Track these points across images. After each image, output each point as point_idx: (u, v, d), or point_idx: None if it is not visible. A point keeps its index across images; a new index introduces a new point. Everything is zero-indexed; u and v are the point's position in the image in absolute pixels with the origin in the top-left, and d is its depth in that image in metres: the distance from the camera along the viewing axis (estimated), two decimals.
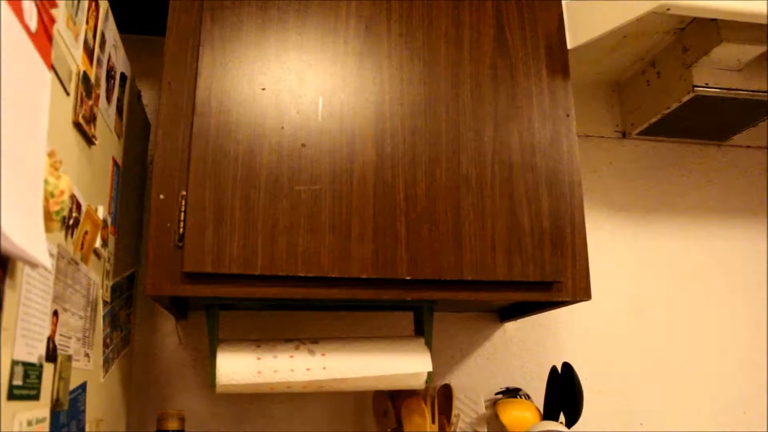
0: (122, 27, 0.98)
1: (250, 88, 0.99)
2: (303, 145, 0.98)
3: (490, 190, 1.04)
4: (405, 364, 1.05)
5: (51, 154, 0.59)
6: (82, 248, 0.77)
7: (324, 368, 1.01)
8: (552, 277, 1.03)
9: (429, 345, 1.10)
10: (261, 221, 0.94)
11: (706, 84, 1.34)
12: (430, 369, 1.06)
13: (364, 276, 0.96)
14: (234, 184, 0.94)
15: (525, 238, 1.04)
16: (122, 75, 1.00)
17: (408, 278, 0.97)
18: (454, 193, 1.03)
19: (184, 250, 0.91)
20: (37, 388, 0.61)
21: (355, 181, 0.99)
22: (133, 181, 1.15)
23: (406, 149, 1.02)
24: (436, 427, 1.17)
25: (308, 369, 1.01)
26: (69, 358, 0.72)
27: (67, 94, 0.71)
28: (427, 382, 1.08)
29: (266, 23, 1.03)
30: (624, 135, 1.60)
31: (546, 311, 1.25)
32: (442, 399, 1.22)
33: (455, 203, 1.02)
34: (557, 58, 1.15)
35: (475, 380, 1.37)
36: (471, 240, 1.01)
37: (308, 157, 0.98)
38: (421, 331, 1.14)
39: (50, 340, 0.65)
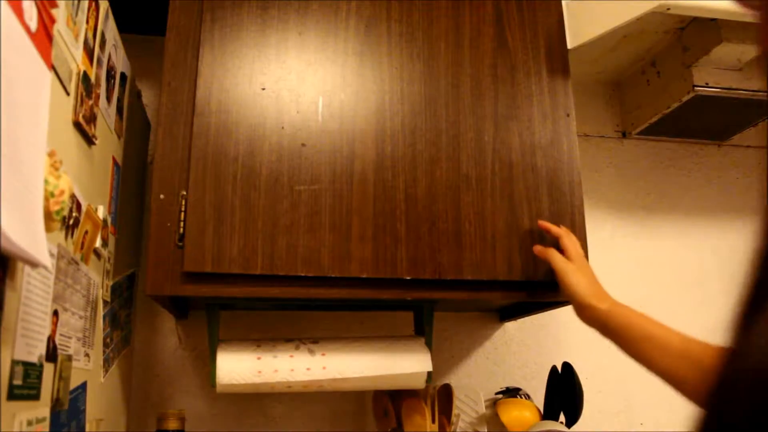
0: (122, 27, 0.98)
1: (250, 88, 0.99)
2: (303, 144, 0.98)
3: (490, 189, 1.04)
4: (405, 364, 1.05)
5: (51, 154, 0.59)
6: (82, 248, 0.77)
7: (324, 368, 1.01)
8: (553, 277, 1.03)
9: (429, 345, 1.10)
10: (261, 221, 0.94)
11: (707, 84, 1.34)
12: (430, 369, 1.06)
13: (364, 276, 0.95)
14: (234, 183, 0.94)
15: (525, 237, 1.04)
16: (122, 75, 1.00)
17: (408, 278, 0.97)
18: (454, 193, 1.02)
19: (184, 249, 0.91)
20: (38, 387, 0.61)
21: (355, 181, 0.98)
22: (133, 180, 1.15)
23: (406, 149, 1.02)
24: (436, 426, 1.17)
25: (308, 369, 1.01)
26: (69, 357, 0.72)
27: (67, 93, 0.71)
28: (427, 381, 1.08)
29: (266, 23, 1.02)
30: (624, 135, 1.60)
31: (546, 311, 1.25)
32: (443, 399, 1.22)
33: (455, 203, 1.02)
34: (557, 57, 1.15)
35: (475, 380, 1.37)
36: (471, 239, 1.01)
37: (308, 157, 0.98)
38: (422, 330, 1.14)
39: (50, 339, 0.65)
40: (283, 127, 0.98)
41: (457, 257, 1.00)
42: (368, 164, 1.00)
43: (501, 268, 1.01)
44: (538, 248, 1.01)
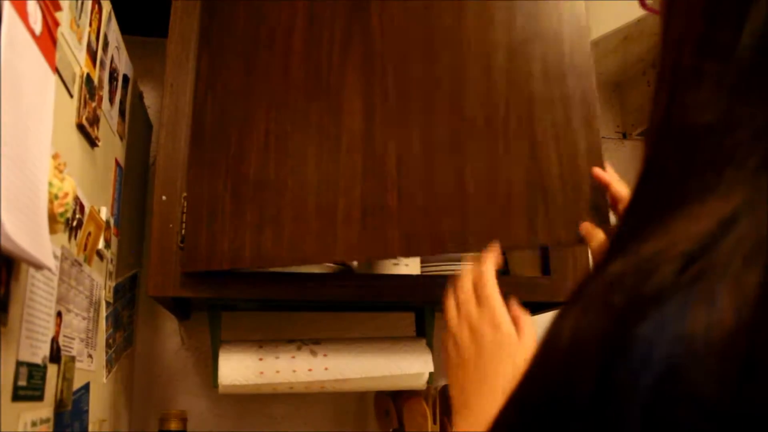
0: (124, 28, 0.98)
1: (243, 82, 0.96)
2: (289, 126, 0.90)
3: (503, 133, 0.82)
4: (406, 365, 1.05)
5: (55, 157, 0.60)
6: (85, 249, 0.77)
7: (326, 369, 1.02)
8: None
9: (430, 345, 1.10)
10: (249, 213, 0.88)
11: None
12: (432, 369, 1.06)
13: (349, 259, 0.88)
14: (225, 178, 0.90)
15: (552, 189, 0.80)
16: (125, 77, 1.01)
17: (399, 257, 0.88)
18: (456, 146, 0.83)
19: (184, 250, 0.91)
20: (41, 388, 0.61)
21: (342, 155, 0.87)
22: (134, 182, 1.15)
23: (396, 102, 0.86)
24: (437, 427, 1.17)
25: (310, 369, 1.01)
26: (72, 358, 0.72)
27: (71, 96, 0.71)
28: (428, 382, 1.08)
29: (259, 20, 0.97)
30: (624, 136, 1.60)
31: (547, 312, 1.25)
32: (444, 400, 1.22)
33: (458, 158, 0.83)
34: None
35: None
36: (478, 202, 0.81)
37: (295, 138, 0.89)
38: (423, 331, 1.15)
39: (54, 341, 0.65)
40: (270, 112, 0.91)
41: (460, 226, 0.81)
42: (356, 133, 0.86)
43: (519, 232, 0.79)
44: (587, 226, 0.76)
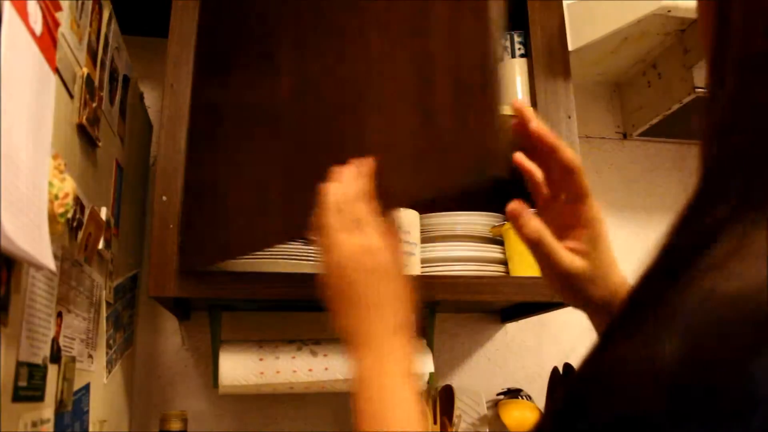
0: (125, 29, 0.98)
1: (225, 73, 0.94)
2: (246, 106, 0.86)
3: (401, 80, 0.69)
4: None
5: (56, 157, 0.60)
6: (86, 250, 0.77)
7: (326, 369, 1.02)
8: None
9: (431, 346, 1.10)
10: (222, 206, 0.86)
11: (707, 85, 1.33)
12: (432, 370, 1.06)
13: (278, 243, 0.85)
14: (210, 175, 0.89)
15: (439, 138, 0.65)
16: (125, 77, 1.01)
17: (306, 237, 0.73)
18: (361, 106, 0.72)
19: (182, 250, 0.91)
20: (42, 389, 0.61)
21: (281, 129, 0.81)
22: (134, 182, 1.15)
23: (316, 59, 0.78)
24: (438, 427, 1.17)
25: (310, 369, 1.01)
26: (73, 359, 0.72)
27: (71, 96, 0.71)
28: (428, 382, 1.08)
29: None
30: (625, 136, 1.60)
31: (547, 312, 1.25)
32: (444, 400, 1.22)
33: (362, 119, 0.72)
34: (558, 59, 1.15)
35: (476, 381, 1.38)
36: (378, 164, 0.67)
37: (249, 117, 0.85)
38: (423, 332, 1.15)
39: (54, 341, 0.65)
40: (253, 106, 0.87)
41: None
42: (286, 104, 0.80)
43: (410, 186, 0.67)
44: (515, 207, 0.61)
